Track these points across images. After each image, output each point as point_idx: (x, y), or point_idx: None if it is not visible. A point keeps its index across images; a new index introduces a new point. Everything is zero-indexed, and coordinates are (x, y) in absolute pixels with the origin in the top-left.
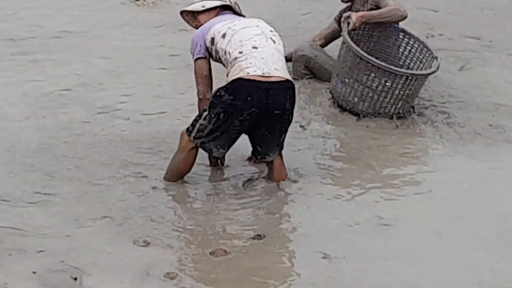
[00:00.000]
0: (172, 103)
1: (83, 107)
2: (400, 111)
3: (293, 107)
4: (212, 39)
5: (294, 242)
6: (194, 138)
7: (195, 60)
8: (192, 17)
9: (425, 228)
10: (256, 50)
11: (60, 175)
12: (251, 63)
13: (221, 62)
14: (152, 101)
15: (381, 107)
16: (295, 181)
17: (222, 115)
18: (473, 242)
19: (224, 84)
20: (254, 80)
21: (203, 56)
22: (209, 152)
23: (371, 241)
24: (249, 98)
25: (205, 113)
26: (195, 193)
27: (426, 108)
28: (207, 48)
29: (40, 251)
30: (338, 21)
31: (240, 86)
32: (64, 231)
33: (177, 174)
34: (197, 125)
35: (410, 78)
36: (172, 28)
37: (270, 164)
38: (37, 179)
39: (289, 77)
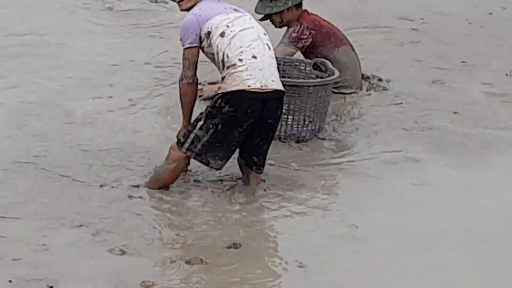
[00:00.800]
0: (147, 111)
1: (56, 116)
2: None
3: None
4: (208, 33)
5: (270, 250)
6: (187, 149)
7: (189, 47)
8: None
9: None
10: (256, 60)
11: (34, 184)
12: (251, 75)
13: (209, 56)
14: (127, 109)
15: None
16: (271, 189)
17: (220, 126)
18: (451, 252)
19: (220, 90)
20: (254, 92)
21: (197, 45)
22: (206, 164)
23: (348, 250)
24: (249, 110)
25: (200, 123)
26: (171, 202)
27: None
28: (200, 37)
29: (16, 259)
30: None
31: (241, 98)
32: (39, 240)
33: (162, 184)
34: (191, 136)
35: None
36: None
37: (247, 169)
38: (12, 187)
39: (281, 87)
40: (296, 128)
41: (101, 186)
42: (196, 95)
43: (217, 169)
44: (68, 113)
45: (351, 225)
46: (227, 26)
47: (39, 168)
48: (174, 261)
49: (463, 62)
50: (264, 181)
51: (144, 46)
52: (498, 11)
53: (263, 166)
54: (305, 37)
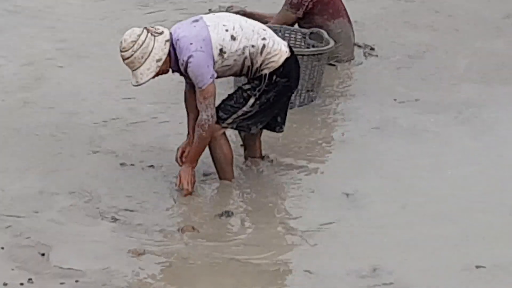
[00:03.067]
0: None
1: (48, 87)
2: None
3: None
4: (221, 50)
5: (263, 218)
6: (228, 124)
7: (211, 82)
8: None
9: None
10: (268, 31)
11: (27, 152)
12: (278, 43)
13: (225, 71)
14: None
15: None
16: (268, 158)
17: (272, 98)
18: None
19: (257, 72)
20: (294, 56)
21: (214, 77)
22: (246, 131)
23: (340, 214)
24: (297, 75)
25: (252, 101)
26: (164, 170)
27: None
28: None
29: (8, 226)
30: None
31: (290, 65)
32: (31, 207)
33: (230, 164)
34: (239, 112)
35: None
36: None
37: (251, 141)
38: (5, 154)
39: None
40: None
41: (94, 153)
42: None
43: (254, 134)
44: (60, 84)
45: (343, 193)
46: (227, 30)
47: (31, 134)
48: (166, 229)
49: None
50: (267, 156)
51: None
52: None
53: (284, 124)
54: (306, 3)
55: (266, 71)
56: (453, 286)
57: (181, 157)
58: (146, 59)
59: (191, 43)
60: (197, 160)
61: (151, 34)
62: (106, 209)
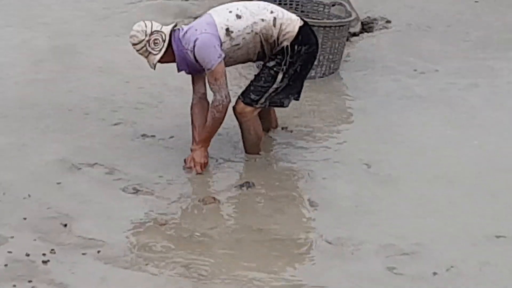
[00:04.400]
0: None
1: (63, 64)
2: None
3: None
4: (227, 30)
5: (283, 190)
6: (262, 104)
7: (219, 62)
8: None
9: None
10: (275, 6)
11: (50, 124)
12: (287, 13)
13: (235, 51)
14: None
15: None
16: (286, 129)
17: (299, 67)
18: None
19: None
20: (306, 24)
21: (222, 57)
22: (280, 106)
23: (362, 185)
24: (316, 40)
25: (280, 76)
26: (186, 142)
27: None
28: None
29: (30, 197)
30: None
31: (307, 31)
32: (53, 178)
33: (260, 141)
34: (270, 91)
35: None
36: None
37: (266, 113)
38: (29, 128)
39: None
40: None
41: (115, 124)
42: None
43: (287, 107)
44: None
45: (364, 164)
46: (230, 12)
47: (54, 108)
48: (187, 200)
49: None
50: (286, 128)
51: None
52: None
53: (301, 92)
54: None
55: (286, 43)
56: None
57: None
58: (146, 57)
59: (195, 30)
60: (210, 140)
61: (147, 48)
62: (128, 181)
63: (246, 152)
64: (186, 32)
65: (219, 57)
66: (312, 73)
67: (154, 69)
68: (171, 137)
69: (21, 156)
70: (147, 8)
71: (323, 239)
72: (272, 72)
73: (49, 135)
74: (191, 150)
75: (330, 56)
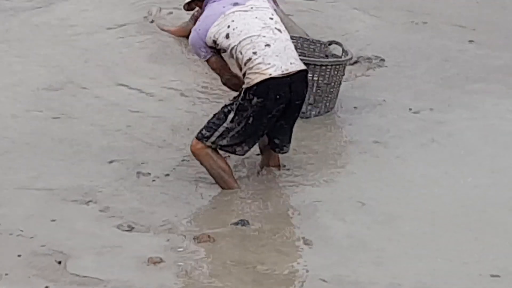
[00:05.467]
0: (158, 89)
1: (64, 98)
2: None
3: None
4: (214, 42)
5: (277, 228)
6: (212, 142)
7: (207, 60)
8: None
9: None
10: (269, 48)
11: (45, 160)
12: (269, 63)
13: (224, 52)
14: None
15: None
16: (284, 167)
17: (251, 118)
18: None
19: (245, 83)
20: (277, 78)
21: (212, 54)
22: (232, 153)
23: (351, 224)
24: (278, 97)
25: (231, 116)
26: (180, 179)
27: None
28: (210, 47)
29: (25, 234)
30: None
31: (267, 86)
32: (48, 214)
33: (228, 174)
34: (220, 129)
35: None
36: None
37: (268, 151)
38: (22, 164)
39: (303, 66)
40: (309, 106)
41: (111, 162)
42: (240, 81)
43: (241, 155)
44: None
45: (358, 202)
46: (228, 27)
47: (50, 143)
48: (182, 237)
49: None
50: (283, 166)
51: None
52: None
53: (286, 146)
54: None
55: (244, 85)
56: None
57: None
58: None
59: (200, 18)
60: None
61: None
62: (122, 218)
63: (222, 189)
64: (206, 5)
65: (203, 57)
66: (308, 112)
67: None
68: (167, 175)
69: (15, 192)
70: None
71: (318, 277)
72: (225, 110)
73: (44, 171)
74: None
75: (326, 95)
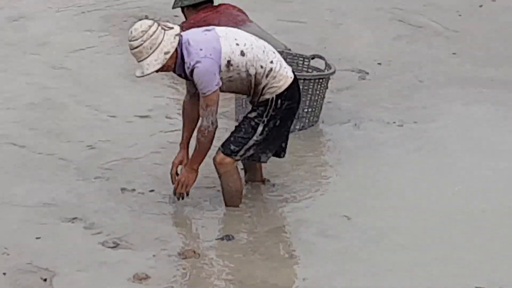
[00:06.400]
0: (142, 106)
1: (46, 112)
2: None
3: None
4: (228, 62)
5: (263, 242)
6: (241, 156)
7: (216, 89)
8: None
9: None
10: (277, 54)
11: (28, 176)
12: (285, 67)
13: (229, 83)
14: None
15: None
16: (269, 182)
17: (279, 122)
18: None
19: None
20: (295, 81)
21: (219, 85)
22: (257, 161)
23: (338, 239)
24: (299, 98)
25: (260, 129)
26: (164, 195)
27: None
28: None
29: (9, 252)
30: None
31: (293, 89)
32: (33, 232)
33: (240, 194)
34: (250, 143)
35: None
36: None
37: (252, 165)
38: (6, 181)
39: None
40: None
41: (96, 178)
42: None
43: (264, 162)
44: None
45: (344, 216)
46: (237, 44)
47: (32, 159)
48: (167, 254)
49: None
50: (267, 180)
51: None
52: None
53: (286, 148)
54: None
55: (268, 96)
56: None
57: (176, 173)
58: (154, 50)
59: (201, 49)
60: (198, 166)
61: (162, 28)
62: (107, 235)
63: (225, 204)
64: (189, 43)
65: (216, 85)
66: (292, 126)
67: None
68: (151, 190)
69: None
70: None
71: None
72: (252, 123)
73: (28, 187)
74: (180, 146)
75: (310, 109)
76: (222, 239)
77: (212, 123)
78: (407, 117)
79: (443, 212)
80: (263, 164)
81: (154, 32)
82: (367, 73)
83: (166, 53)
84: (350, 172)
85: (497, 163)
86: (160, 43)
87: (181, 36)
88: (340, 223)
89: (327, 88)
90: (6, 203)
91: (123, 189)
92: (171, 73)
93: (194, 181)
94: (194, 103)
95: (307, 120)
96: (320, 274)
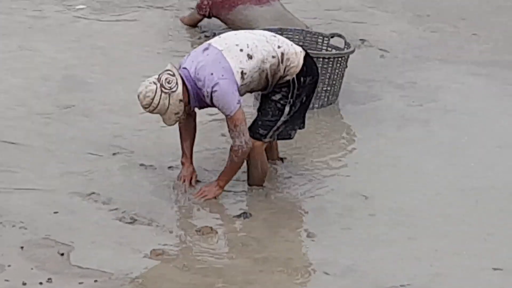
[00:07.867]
0: None
1: (63, 90)
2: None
3: None
4: (242, 72)
5: (280, 220)
6: (270, 137)
7: (236, 111)
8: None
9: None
10: (278, 36)
11: (46, 152)
12: (291, 45)
13: (249, 85)
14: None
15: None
16: (286, 160)
17: (304, 98)
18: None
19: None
20: (308, 53)
21: (241, 102)
22: (287, 138)
23: (353, 215)
24: (317, 69)
25: (287, 109)
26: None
27: None
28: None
29: (27, 226)
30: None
31: (310, 63)
32: (50, 207)
33: (266, 174)
34: (278, 124)
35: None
36: None
37: (268, 144)
38: (25, 157)
39: None
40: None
41: (114, 154)
42: None
43: (292, 138)
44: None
45: (362, 195)
46: (241, 50)
47: (50, 135)
48: (184, 230)
49: None
50: (285, 158)
51: None
52: None
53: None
54: (204, 6)
55: (289, 77)
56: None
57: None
58: (165, 112)
59: (211, 73)
60: (226, 184)
61: (164, 92)
62: (124, 211)
63: (249, 184)
64: (197, 72)
65: (238, 103)
66: (311, 103)
67: (184, 114)
68: (170, 167)
69: (17, 184)
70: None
71: (321, 270)
72: (278, 105)
73: (46, 163)
74: (182, 164)
75: (329, 88)
76: (239, 216)
77: (245, 142)
78: (427, 96)
79: (458, 191)
80: (279, 142)
81: (159, 102)
82: (388, 52)
83: (176, 113)
84: (368, 150)
85: None
86: (167, 108)
87: (188, 71)
88: (359, 202)
89: (346, 67)
90: (24, 179)
91: (141, 165)
92: None
93: (214, 197)
94: (190, 121)
95: (326, 99)
96: (340, 254)
